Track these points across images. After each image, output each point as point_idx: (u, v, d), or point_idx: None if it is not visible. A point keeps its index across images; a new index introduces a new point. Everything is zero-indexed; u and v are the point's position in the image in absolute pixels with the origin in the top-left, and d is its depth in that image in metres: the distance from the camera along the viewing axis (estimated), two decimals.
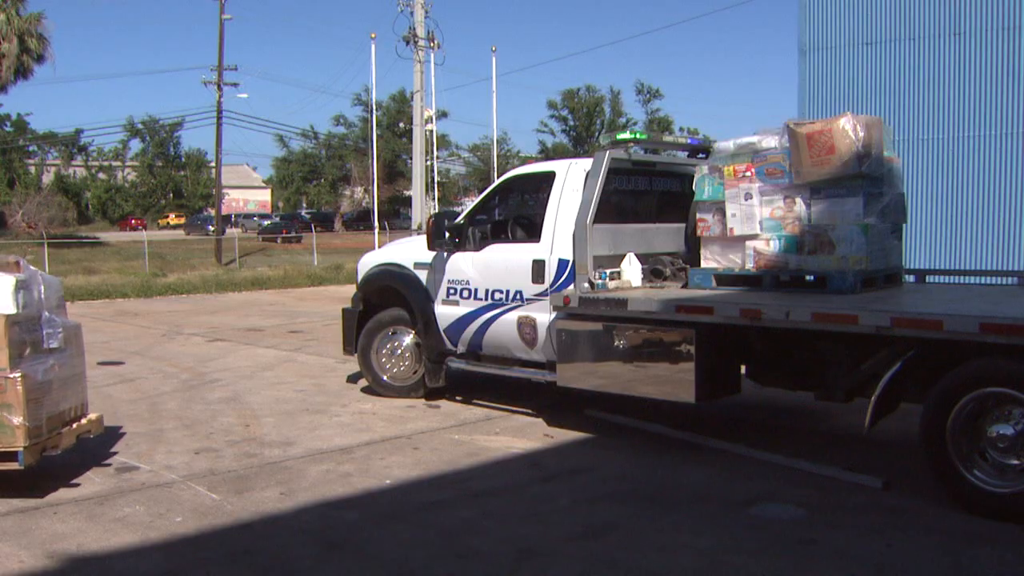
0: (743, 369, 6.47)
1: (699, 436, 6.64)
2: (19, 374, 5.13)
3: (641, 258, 7.00)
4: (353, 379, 9.19)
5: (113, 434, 6.84)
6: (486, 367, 7.68)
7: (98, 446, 6.35)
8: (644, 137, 7.50)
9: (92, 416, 6.04)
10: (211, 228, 42.25)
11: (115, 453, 6.41)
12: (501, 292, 7.31)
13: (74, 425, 5.75)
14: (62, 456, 5.66)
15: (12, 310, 5.16)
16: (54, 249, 29.69)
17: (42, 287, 5.56)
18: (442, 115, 40.44)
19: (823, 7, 12.25)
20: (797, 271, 6.39)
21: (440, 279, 7.76)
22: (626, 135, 7.08)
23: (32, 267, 5.68)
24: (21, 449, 5.11)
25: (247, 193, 76.30)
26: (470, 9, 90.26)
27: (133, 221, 60.80)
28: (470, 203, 9.39)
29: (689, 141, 8.02)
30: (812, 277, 6.34)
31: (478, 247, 7.55)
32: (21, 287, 5.26)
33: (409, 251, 8.26)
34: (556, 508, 5.18)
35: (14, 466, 5.17)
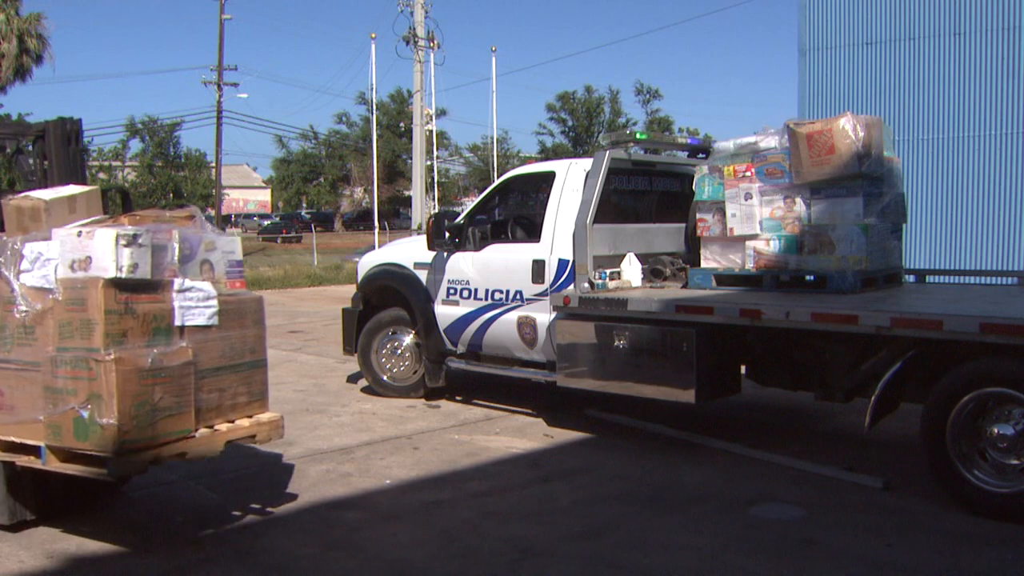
0: (743, 369, 6.47)
1: (699, 436, 6.64)
2: (112, 357, 3.93)
3: (641, 258, 7.00)
4: (353, 379, 9.19)
5: None
6: (486, 367, 7.69)
7: None
8: (644, 137, 7.50)
9: (264, 417, 4.67)
10: None
11: None
12: (501, 292, 7.31)
13: (223, 427, 4.45)
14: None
15: (112, 272, 3.97)
16: None
17: (178, 246, 4.28)
18: (441, 113, 40.44)
19: (823, 7, 12.25)
20: (797, 271, 6.40)
21: (440, 279, 7.76)
22: (626, 135, 7.10)
23: (207, 223, 4.56)
24: (110, 456, 3.97)
25: (247, 193, 76.32)
26: (470, 9, 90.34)
27: None
28: (470, 203, 9.39)
29: (689, 141, 8.02)
30: (812, 277, 6.34)
31: (478, 247, 7.55)
32: (133, 243, 4.03)
33: (409, 251, 8.27)
34: (556, 508, 5.18)
35: (103, 474, 4.11)
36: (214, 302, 4.36)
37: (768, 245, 6.47)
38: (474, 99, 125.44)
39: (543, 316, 6.99)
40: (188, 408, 4.23)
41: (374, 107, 37.63)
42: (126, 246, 4.01)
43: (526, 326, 7.15)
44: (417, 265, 8.00)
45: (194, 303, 4.30)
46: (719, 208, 6.72)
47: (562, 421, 7.25)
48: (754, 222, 6.55)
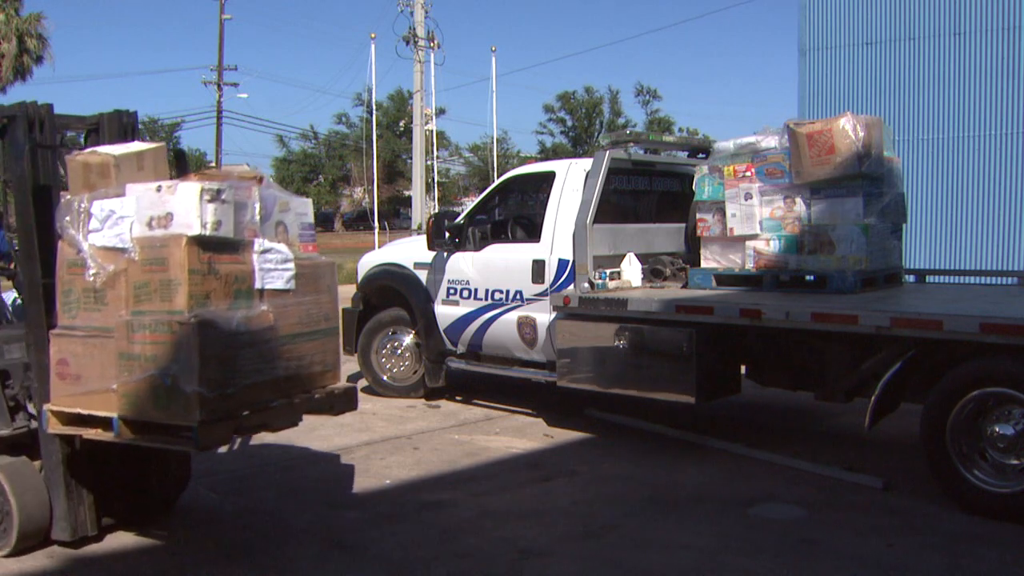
0: (743, 369, 6.47)
1: (699, 436, 6.64)
2: (197, 320, 3.65)
3: (641, 258, 7.00)
4: (353, 379, 9.17)
5: None
6: (486, 367, 7.69)
7: None
8: (654, 138, 7.50)
9: (338, 388, 4.42)
10: None
11: None
12: (501, 292, 7.31)
13: (300, 398, 4.18)
14: None
15: (196, 229, 3.69)
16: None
17: (258, 205, 4.00)
18: (441, 111, 40.41)
19: (823, 7, 12.25)
20: (797, 271, 6.40)
21: (440, 279, 7.76)
22: (626, 135, 7.11)
23: (272, 182, 4.26)
24: (195, 425, 3.67)
25: None
26: (470, 9, 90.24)
27: None
28: (470, 203, 9.39)
29: (689, 141, 8.02)
30: (812, 277, 6.34)
31: (478, 247, 7.55)
32: (216, 199, 3.75)
33: (409, 251, 8.27)
34: (556, 508, 5.17)
35: (187, 447, 3.90)
36: (291, 265, 4.09)
37: (768, 245, 6.47)
38: (474, 99, 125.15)
39: (543, 316, 6.99)
40: (269, 376, 3.97)
41: (373, 107, 37.60)
42: (210, 202, 3.72)
43: (526, 326, 7.15)
44: (417, 265, 8.00)
45: (273, 265, 4.02)
46: (719, 208, 6.72)
47: (562, 421, 7.25)
48: (754, 222, 6.55)
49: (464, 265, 7.61)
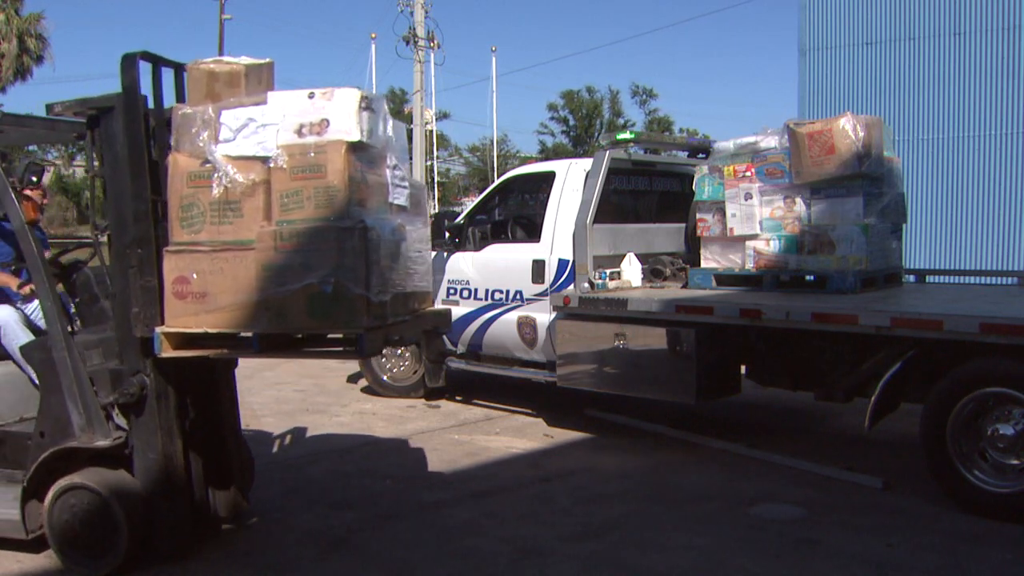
0: (743, 369, 6.47)
1: (699, 436, 6.64)
2: (361, 226, 3.60)
3: (641, 258, 7.00)
4: (353, 379, 9.19)
5: None
6: (486, 367, 7.68)
7: None
8: (644, 137, 7.50)
9: (440, 308, 4.62)
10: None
11: None
12: (501, 292, 7.31)
13: (417, 316, 4.19)
14: None
15: (356, 136, 3.62)
16: (54, 249, 29.62)
17: (390, 123, 3.96)
18: (443, 116, 40.43)
19: (823, 7, 12.25)
20: (797, 271, 6.40)
21: (440, 279, 7.75)
22: (626, 135, 7.10)
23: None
24: (363, 331, 3.63)
25: None
26: (470, 9, 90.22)
27: None
28: (470, 203, 9.39)
29: (689, 141, 8.02)
30: (812, 277, 6.34)
31: (478, 247, 7.55)
32: (368, 108, 3.68)
33: None
34: (556, 508, 5.17)
35: (348, 356, 3.88)
36: (408, 184, 4.08)
37: (768, 245, 6.47)
38: (474, 99, 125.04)
39: (543, 316, 6.99)
40: (403, 290, 3.94)
41: None
42: (364, 110, 3.63)
43: (526, 326, 7.15)
44: None
45: (398, 181, 3.97)
46: (719, 208, 6.72)
47: (562, 421, 7.25)
48: (754, 222, 6.55)
49: (464, 265, 7.61)
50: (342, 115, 3.61)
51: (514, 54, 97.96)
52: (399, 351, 8.19)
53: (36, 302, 4.92)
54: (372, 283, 3.62)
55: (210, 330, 3.77)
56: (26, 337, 4.78)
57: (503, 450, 6.49)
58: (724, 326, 5.86)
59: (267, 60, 4.05)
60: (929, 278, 7.51)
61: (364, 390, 8.58)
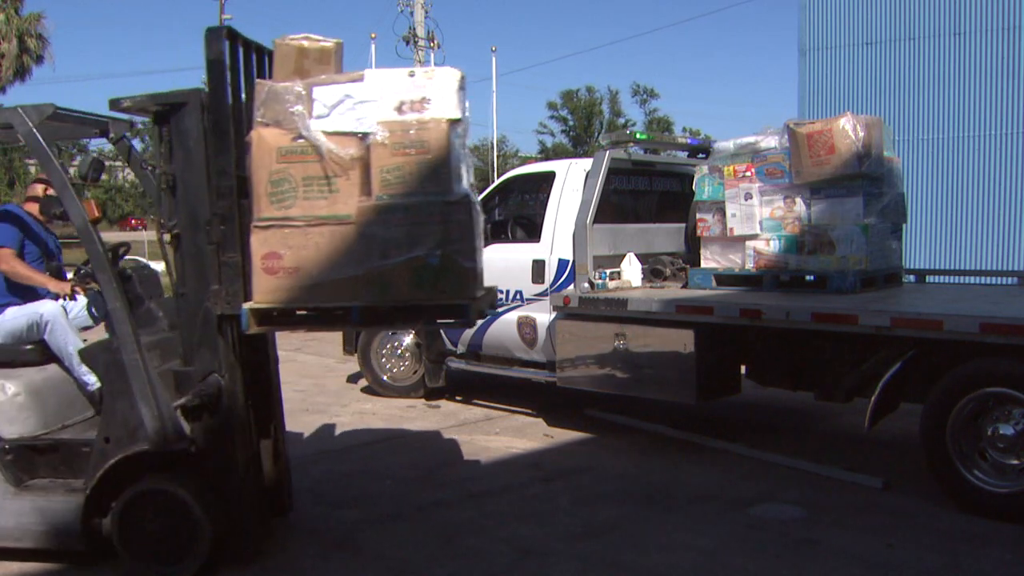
0: (743, 369, 6.47)
1: (699, 436, 6.64)
2: (467, 198, 3.74)
3: (641, 258, 7.00)
4: (353, 379, 9.19)
5: None
6: (486, 367, 7.69)
7: None
8: (644, 137, 7.50)
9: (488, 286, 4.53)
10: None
11: None
12: (501, 292, 7.29)
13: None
14: None
15: (457, 113, 3.72)
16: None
17: (467, 103, 4.04)
18: None
19: (823, 7, 12.25)
20: (797, 271, 6.40)
21: None
22: (626, 135, 7.11)
23: None
24: (470, 302, 3.75)
25: None
26: (470, 9, 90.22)
27: (133, 221, 60.73)
28: None
29: (689, 141, 8.02)
30: (812, 277, 6.34)
31: None
32: (463, 87, 3.80)
33: None
34: (556, 508, 5.17)
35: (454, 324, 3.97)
36: (464, 165, 4.11)
37: (768, 245, 6.47)
38: (474, 99, 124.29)
39: (543, 316, 6.98)
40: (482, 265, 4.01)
41: None
42: (460, 89, 3.75)
43: (526, 326, 7.15)
44: None
45: (465, 162, 4.00)
46: (719, 208, 6.72)
47: (562, 421, 7.25)
48: (754, 222, 6.55)
49: None
50: (443, 93, 3.69)
51: (514, 54, 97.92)
52: (399, 351, 8.20)
53: (72, 303, 4.86)
54: (476, 255, 3.76)
55: (306, 305, 3.79)
56: (75, 338, 4.69)
57: (503, 450, 6.49)
58: (724, 326, 5.86)
59: (339, 40, 4.07)
60: (929, 278, 7.51)
61: (364, 390, 8.58)
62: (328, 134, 3.71)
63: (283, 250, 3.74)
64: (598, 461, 6.15)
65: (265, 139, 3.75)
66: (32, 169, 64.98)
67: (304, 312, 3.83)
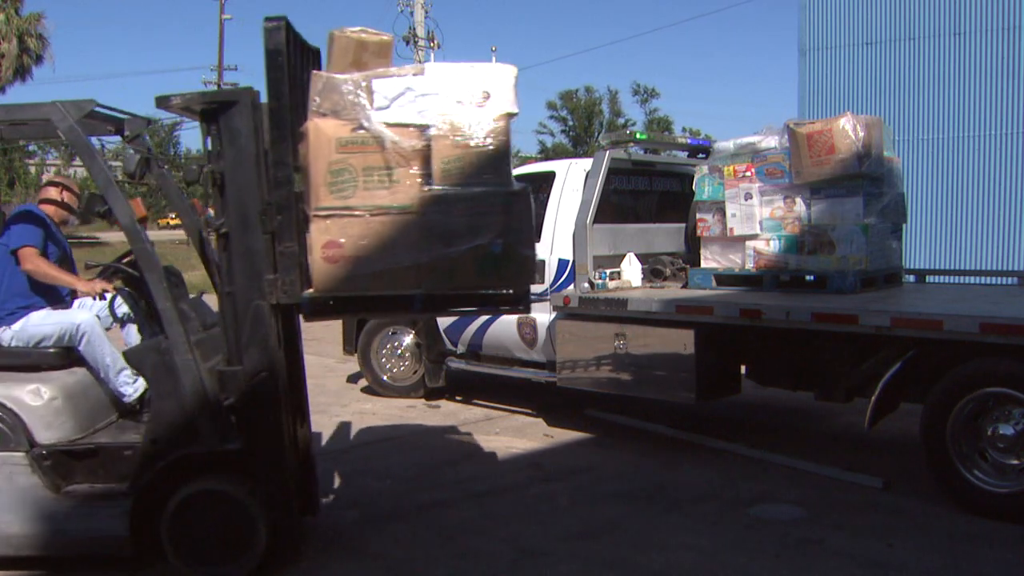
0: (743, 369, 6.47)
1: (699, 436, 6.64)
2: (526, 189, 3.95)
3: (641, 258, 7.00)
4: (353, 379, 9.19)
5: None
6: (486, 367, 7.68)
7: None
8: (644, 137, 7.50)
9: None
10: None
11: None
12: None
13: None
14: None
15: (513, 108, 3.87)
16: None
17: None
18: None
19: (823, 7, 12.25)
20: (797, 271, 6.39)
21: None
22: (626, 135, 7.11)
23: None
24: (527, 287, 4.02)
25: None
26: (470, 9, 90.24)
27: None
28: None
29: (689, 141, 8.02)
30: (812, 277, 6.34)
31: None
32: (517, 83, 3.96)
33: None
34: (556, 508, 5.17)
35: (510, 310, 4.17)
36: None
37: (768, 245, 6.47)
38: None
39: (543, 316, 6.98)
40: None
41: None
42: (515, 84, 3.91)
43: (526, 326, 7.15)
44: None
45: None
46: (719, 208, 6.72)
47: (562, 421, 7.25)
48: (754, 222, 6.55)
49: None
50: (501, 88, 3.83)
51: (514, 54, 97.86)
52: (399, 351, 8.20)
53: (94, 304, 4.74)
54: (534, 244, 4.01)
55: (367, 292, 3.86)
56: (111, 347, 4.57)
57: (503, 450, 6.49)
58: (724, 326, 5.86)
59: (393, 35, 4.16)
60: (929, 278, 7.51)
61: (364, 390, 8.58)
62: (390, 125, 3.78)
63: (343, 239, 3.79)
64: (598, 461, 6.15)
65: (323, 130, 3.79)
66: (32, 169, 65.13)
67: (362, 299, 3.90)
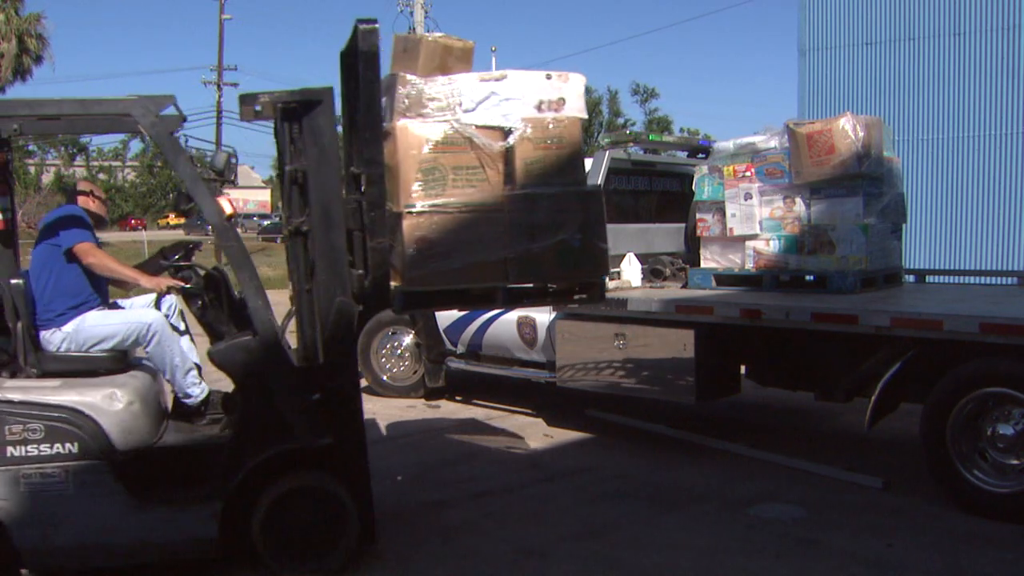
0: (743, 369, 6.47)
1: (699, 436, 6.64)
2: (599, 188, 4.40)
3: (641, 258, 6.99)
4: None
5: None
6: (486, 367, 7.68)
7: None
8: (654, 138, 7.49)
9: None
10: (211, 228, 42.03)
11: None
12: None
13: None
14: None
15: (584, 114, 4.30)
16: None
17: None
18: None
19: (823, 7, 12.25)
20: (797, 271, 6.39)
21: None
22: (626, 135, 7.11)
23: None
24: (603, 278, 4.48)
25: (247, 193, 76.13)
26: (470, 9, 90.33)
27: (133, 221, 60.70)
28: None
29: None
30: (812, 277, 6.34)
31: None
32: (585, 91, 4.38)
33: None
34: (556, 508, 5.17)
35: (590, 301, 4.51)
36: None
37: (768, 245, 6.47)
38: None
39: (543, 316, 6.98)
40: None
41: None
42: (585, 92, 4.29)
43: (526, 326, 7.14)
44: None
45: None
46: (719, 208, 6.72)
47: (562, 421, 7.25)
48: (754, 222, 6.55)
49: None
50: (575, 95, 4.20)
51: (514, 54, 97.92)
52: (399, 351, 8.19)
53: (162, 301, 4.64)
54: (606, 238, 4.32)
55: (456, 286, 4.09)
56: (179, 345, 4.47)
57: (503, 450, 6.49)
58: (724, 326, 5.86)
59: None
60: (929, 278, 7.51)
61: (364, 390, 8.56)
62: (478, 127, 4.05)
63: (433, 235, 4.00)
64: (598, 461, 6.15)
65: (411, 131, 3.96)
66: (32, 170, 65.07)
67: (450, 292, 4.10)
